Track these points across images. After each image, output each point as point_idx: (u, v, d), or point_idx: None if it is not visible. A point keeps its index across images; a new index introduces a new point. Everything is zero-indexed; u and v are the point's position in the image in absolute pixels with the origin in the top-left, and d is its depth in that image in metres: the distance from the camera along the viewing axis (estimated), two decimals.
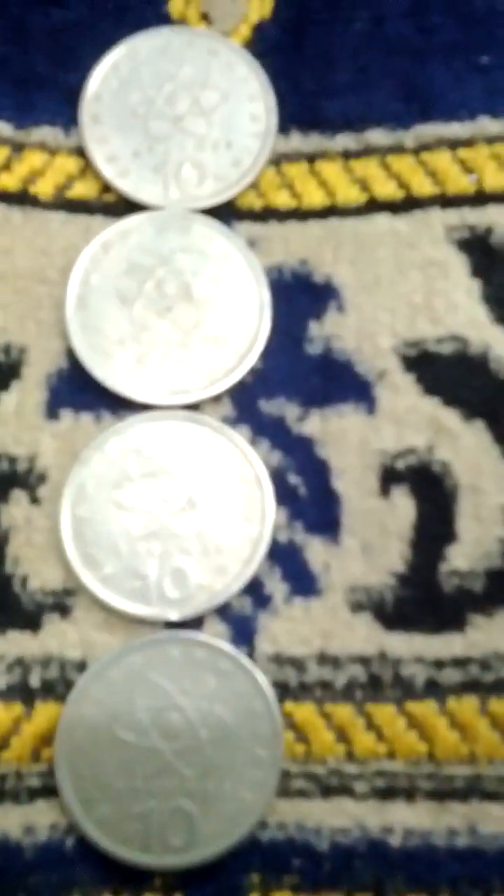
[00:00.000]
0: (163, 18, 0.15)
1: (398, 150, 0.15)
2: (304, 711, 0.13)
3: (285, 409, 0.14)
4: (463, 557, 0.13)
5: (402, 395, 0.14)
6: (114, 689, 0.13)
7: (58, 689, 0.13)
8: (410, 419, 0.14)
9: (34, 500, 0.13)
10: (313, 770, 0.13)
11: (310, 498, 0.14)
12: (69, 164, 0.15)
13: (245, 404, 0.14)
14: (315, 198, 0.15)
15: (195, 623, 0.13)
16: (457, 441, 0.14)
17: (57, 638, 0.13)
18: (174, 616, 0.13)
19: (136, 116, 0.15)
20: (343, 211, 0.15)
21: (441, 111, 0.15)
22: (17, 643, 0.13)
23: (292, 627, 0.13)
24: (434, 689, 0.13)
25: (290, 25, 0.15)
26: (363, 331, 0.14)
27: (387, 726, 0.13)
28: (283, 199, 0.15)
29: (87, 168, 0.15)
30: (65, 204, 0.15)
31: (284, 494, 0.14)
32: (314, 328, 0.14)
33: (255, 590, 0.13)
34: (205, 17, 0.16)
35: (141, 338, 0.14)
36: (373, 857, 0.12)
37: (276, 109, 0.15)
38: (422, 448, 0.14)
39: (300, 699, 0.13)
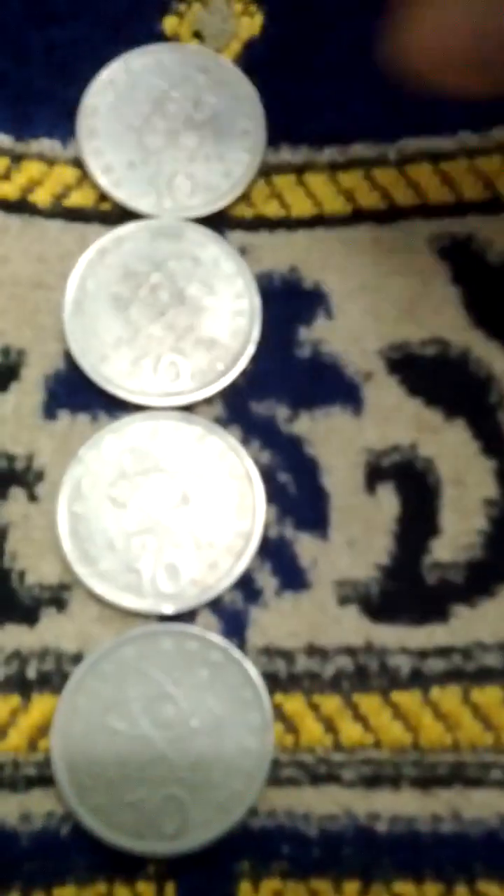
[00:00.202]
0: (157, 36, 0.16)
1: (382, 162, 0.15)
2: (293, 702, 0.13)
3: (275, 409, 0.14)
4: (446, 550, 0.14)
5: (387, 396, 0.14)
6: (108, 681, 0.13)
7: (54, 681, 0.13)
8: (395, 418, 0.14)
9: (32, 498, 0.14)
10: (302, 759, 0.13)
11: (299, 495, 0.14)
12: (66, 174, 0.15)
13: (236, 405, 0.14)
14: (303, 208, 0.15)
15: (188, 616, 0.13)
16: (439, 438, 0.14)
17: (53, 631, 0.13)
18: (168, 609, 0.13)
19: (132, 129, 0.15)
20: (330, 220, 0.15)
21: (423, 125, 0.15)
22: (14, 636, 0.13)
23: (282, 620, 0.13)
24: (419, 679, 0.13)
25: (278, 43, 0.16)
26: (350, 335, 0.15)
27: (373, 716, 0.13)
28: (272, 209, 0.15)
29: (84, 178, 0.15)
30: (62, 212, 0.15)
31: (274, 492, 0.14)
32: (303, 332, 0.15)
33: (246, 584, 0.14)
34: (197, 35, 0.16)
35: (136, 341, 0.14)
36: (360, 843, 0.13)
37: (266, 123, 0.15)
38: (406, 446, 0.14)
39: (289, 690, 0.13)
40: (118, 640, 0.13)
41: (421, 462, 0.14)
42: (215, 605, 0.13)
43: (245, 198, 0.15)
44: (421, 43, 0.11)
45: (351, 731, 0.13)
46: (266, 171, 0.15)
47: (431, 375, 0.14)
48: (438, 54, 0.11)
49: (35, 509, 0.14)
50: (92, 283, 0.15)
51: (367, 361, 0.15)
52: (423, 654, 0.13)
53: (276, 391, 0.14)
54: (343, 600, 0.14)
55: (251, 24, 0.16)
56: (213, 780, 0.13)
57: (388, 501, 0.14)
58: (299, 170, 0.15)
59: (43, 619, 0.13)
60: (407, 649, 0.13)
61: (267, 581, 0.14)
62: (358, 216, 0.15)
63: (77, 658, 0.13)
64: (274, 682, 0.13)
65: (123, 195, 0.15)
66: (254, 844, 0.13)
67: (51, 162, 0.15)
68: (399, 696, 0.13)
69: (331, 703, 0.13)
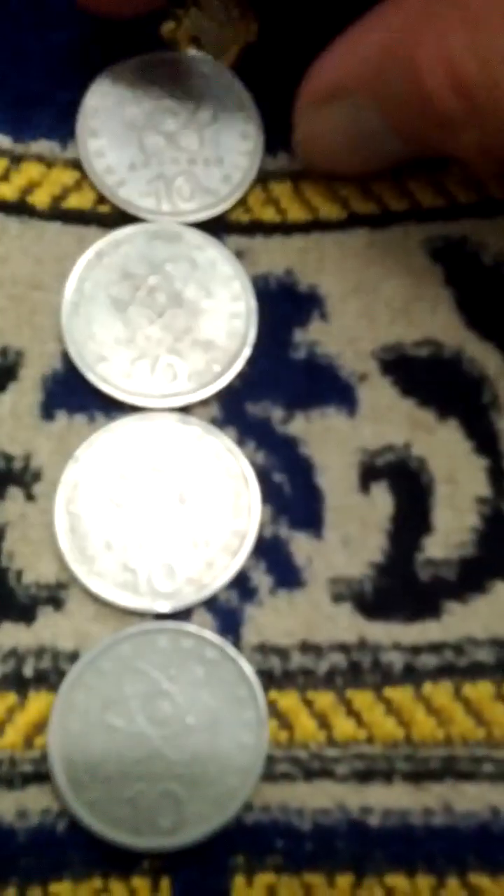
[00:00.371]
0: (155, 41, 0.16)
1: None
2: (288, 698, 0.13)
3: (271, 410, 0.15)
4: (438, 547, 0.14)
5: (381, 397, 0.15)
6: (104, 678, 0.13)
7: (51, 678, 0.13)
8: (389, 419, 0.14)
9: (29, 497, 0.14)
10: (296, 754, 0.13)
11: (294, 495, 0.14)
12: (65, 176, 0.15)
13: (232, 407, 0.15)
14: (299, 213, 0.15)
15: (184, 614, 0.14)
16: (433, 438, 0.14)
17: (50, 630, 0.13)
18: (164, 608, 0.14)
19: (132, 132, 0.16)
20: (325, 224, 0.15)
21: None
22: (11, 635, 0.13)
23: (276, 618, 0.14)
24: (411, 675, 0.13)
25: (275, 50, 0.16)
26: (345, 336, 0.15)
27: (366, 711, 0.13)
28: (269, 215, 0.15)
29: (83, 180, 0.15)
30: (60, 214, 0.15)
31: (270, 492, 0.14)
32: (299, 334, 0.15)
33: (241, 582, 0.14)
34: (195, 41, 0.16)
35: (133, 342, 0.15)
36: (353, 837, 0.13)
37: (263, 130, 0.16)
38: (400, 446, 0.14)
39: (284, 687, 0.13)
40: (115, 637, 0.13)
41: (414, 461, 0.14)
42: (211, 603, 0.14)
43: (242, 203, 0.15)
44: (310, 140, 0.14)
45: (344, 727, 0.13)
46: (263, 177, 0.15)
47: (425, 376, 0.15)
48: (324, 149, 0.14)
49: (32, 509, 0.14)
50: (90, 285, 0.15)
51: (361, 363, 0.15)
52: (415, 651, 0.13)
53: (272, 392, 0.15)
54: (337, 598, 0.14)
55: (248, 31, 0.16)
56: (209, 776, 0.13)
57: (381, 500, 0.14)
58: (295, 177, 0.15)
59: (40, 617, 0.13)
60: (400, 645, 0.13)
61: (262, 579, 0.14)
62: (352, 220, 0.15)
63: (74, 656, 0.13)
64: (268, 679, 0.13)
65: (123, 197, 0.15)
66: (248, 839, 0.13)
67: (50, 163, 0.15)
68: (392, 692, 0.13)
69: (324, 700, 0.13)
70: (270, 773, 0.13)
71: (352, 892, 0.13)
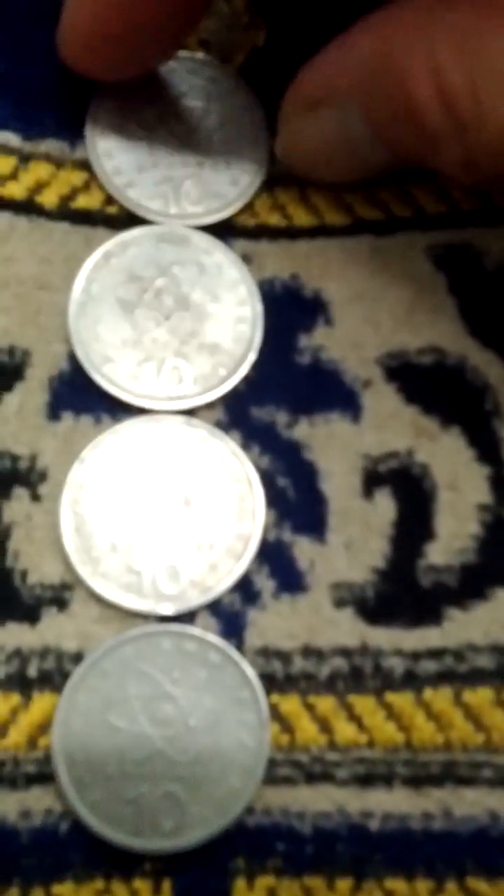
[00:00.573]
0: None
1: (382, 179, 0.16)
2: (289, 702, 0.13)
3: (275, 415, 0.15)
4: (440, 553, 0.14)
5: (385, 403, 0.15)
6: (108, 680, 0.13)
7: (55, 679, 0.13)
8: (393, 425, 0.15)
9: (35, 498, 0.14)
10: (297, 758, 0.13)
11: (297, 499, 0.14)
12: (74, 176, 0.15)
13: (237, 410, 0.15)
14: (305, 219, 0.15)
15: (187, 617, 0.14)
16: (435, 445, 0.14)
17: (54, 630, 0.13)
18: (168, 610, 0.14)
19: (141, 133, 0.16)
20: (330, 230, 0.16)
21: None
22: (16, 635, 0.13)
23: (279, 622, 0.14)
24: (412, 680, 0.13)
25: (283, 54, 0.16)
26: (349, 342, 0.15)
27: (367, 716, 0.13)
28: (275, 220, 0.16)
29: (91, 181, 0.15)
30: (68, 214, 0.15)
31: (274, 496, 0.14)
32: (303, 339, 0.15)
33: (244, 586, 0.14)
34: (203, 44, 0.16)
35: (140, 344, 0.15)
36: (353, 840, 0.13)
37: (271, 135, 0.16)
38: (403, 452, 0.14)
39: (286, 691, 0.13)
40: (118, 639, 0.13)
41: (417, 468, 0.14)
42: (214, 606, 0.14)
43: (249, 207, 0.15)
44: (294, 146, 0.15)
45: (345, 731, 0.13)
46: (270, 183, 0.16)
47: (428, 383, 0.15)
48: (306, 155, 0.15)
49: (38, 509, 0.14)
50: (97, 286, 0.15)
51: (365, 369, 0.15)
52: (416, 656, 0.14)
53: (277, 397, 0.15)
54: (339, 603, 0.14)
55: (257, 35, 0.16)
56: (211, 778, 0.13)
57: (384, 506, 0.14)
58: (302, 182, 0.16)
59: (44, 618, 0.13)
60: (401, 651, 0.14)
61: (265, 583, 0.14)
62: (357, 227, 0.15)
63: (77, 657, 0.13)
64: (271, 683, 0.13)
65: (132, 198, 0.15)
66: (249, 842, 0.13)
67: (58, 163, 0.15)
68: (392, 697, 0.13)
69: (326, 704, 0.13)
70: (272, 777, 0.13)
71: None
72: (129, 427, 0.14)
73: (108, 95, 0.16)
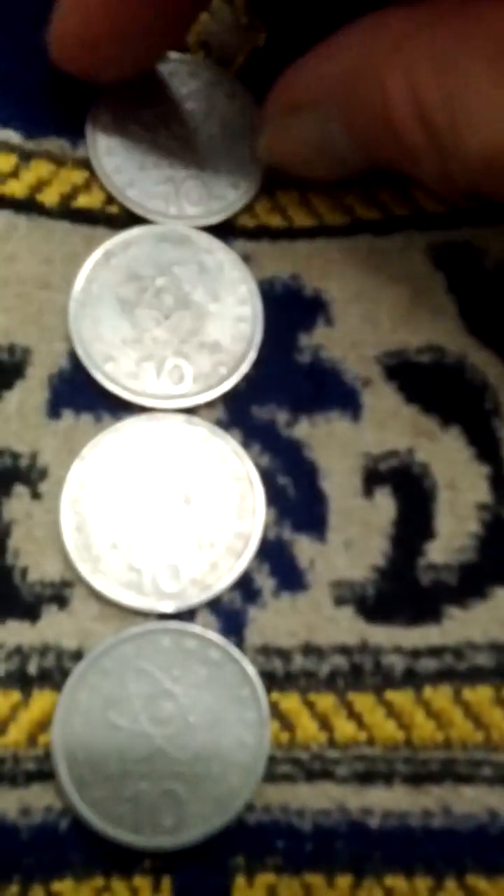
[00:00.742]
0: None
1: (383, 180, 0.16)
2: (289, 700, 0.13)
3: (276, 414, 0.15)
4: (439, 552, 0.14)
5: (385, 402, 0.15)
6: (108, 677, 0.13)
7: (55, 677, 0.13)
8: (393, 424, 0.15)
9: (35, 496, 0.14)
10: (297, 755, 0.13)
11: (298, 498, 0.14)
12: (75, 175, 0.15)
13: (238, 409, 0.15)
14: (304, 219, 0.16)
15: (188, 615, 0.14)
16: (435, 444, 0.15)
17: (54, 628, 0.13)
18: (168, 608, 0.14)
19: (142, 133, 0.16)
20: (330, 230, 0.16)
21: None
22: (16, 632, 0.13)
23: (279, 620, 0.14)
24: (412, 678, 0.14)
25: (283, 56, 0.16)
26: (349, 341, 0.15)
27: (367, 714, 0.13)
28: (275, 221, 0.16)
29: (92, 180, 0.15)
30: (69, 213, 0.15)
31: (274, 494, 0.14)
32: (304, 338, 0.15)
33: (245, 584, 0.14)
34: (204, 46, 0.16)
35: (140, 343, 0.15)
36: (353, 838, 0.13)
37: None
38: (403, 451, 0.15)
39: (285, 688, 0.13)
40: (118, 637, 0.13)
41: (417, 467, 0.14)
42: (214, 604, 0.14)
43: (249, 209, 0.16)
44: (276, 147, 0.15)
45: (345, 729, 0.13)
46: (270, 185, 0.16)
47: (428, 382, 0.15)
48: (288, 155, 0.15)
49: (38, 507, 0.14)
50: (97, 286, 0.15)
51: (365, 368, 0.15)
52: (416, 654, 0.14)
53: (277, 396, 0.15)
54: (339, 601, 0.14)
55: (257, 37, 0.16)
56: (211, 776, 0.13)
57: (384, 505, 0.14)
58: (302, 185, 0.16)
59: (44, 615, 0.14)
60: (400, 649, 0.14)
61: (265, 581, 0.14)
62: (357, 227, 0.16)
63: (77, 655, 0.13)
64: (271, 681, 0.13)
65: (132, 198, 0.15)
66: (249, 839, 0.13)
67: (59, 162, 0.15)
68: (392, 695, 0.13)
69: (326, 701, 0.13)
70: (271, 774, 0.13)
71: (351, 893, 0.13)
72: (129, 425, 0.14)
73: (109, 95, 0.16)
